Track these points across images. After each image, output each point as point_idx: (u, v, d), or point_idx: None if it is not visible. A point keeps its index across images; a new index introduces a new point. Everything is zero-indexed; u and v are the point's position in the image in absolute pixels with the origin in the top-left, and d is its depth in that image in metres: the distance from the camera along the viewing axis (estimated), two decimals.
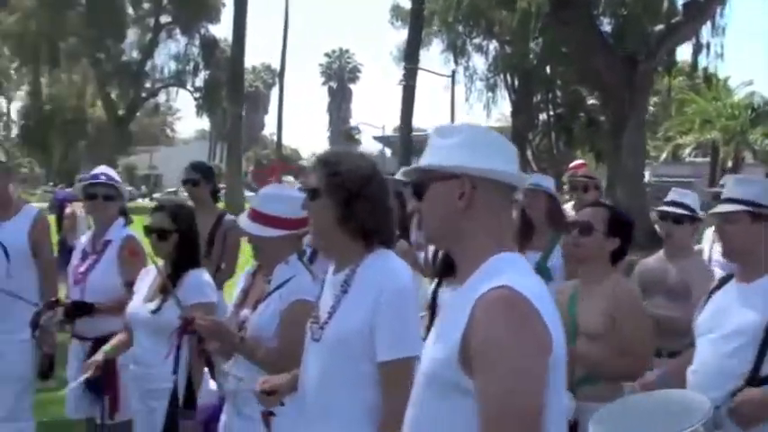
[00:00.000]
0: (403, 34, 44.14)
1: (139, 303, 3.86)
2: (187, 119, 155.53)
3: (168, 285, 3.62)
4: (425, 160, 1.96)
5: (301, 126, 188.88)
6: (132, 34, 53.50)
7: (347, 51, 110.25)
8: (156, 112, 73.88)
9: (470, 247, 1.90)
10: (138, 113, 59.94)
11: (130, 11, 52.65)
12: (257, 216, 3.24)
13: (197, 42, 56.17)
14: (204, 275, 3.87)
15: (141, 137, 78.79)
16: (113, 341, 4.05)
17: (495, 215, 1.92)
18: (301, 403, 2.56)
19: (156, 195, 62.62)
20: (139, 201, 61.59)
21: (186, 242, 3.86)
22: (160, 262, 3.83)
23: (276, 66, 73.97)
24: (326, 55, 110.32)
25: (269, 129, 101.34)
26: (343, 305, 2.48)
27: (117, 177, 4.64)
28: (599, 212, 3.63)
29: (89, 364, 3.95)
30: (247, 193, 44.27)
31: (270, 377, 2.76)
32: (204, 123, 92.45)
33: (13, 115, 66.55)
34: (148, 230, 3.86)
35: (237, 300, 3.37)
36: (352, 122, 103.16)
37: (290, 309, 3.10)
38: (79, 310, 4.32)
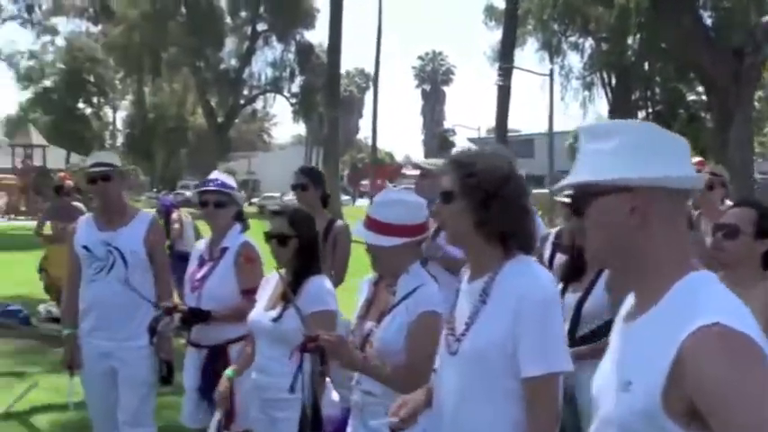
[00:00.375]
0: (497, 34, 43.71)
1: (261, 311, 3.79)
2: (283, 124, 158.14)
3: (289, 294, 3.54)
4: (582, 172, 1.73)
5: (395, 129, 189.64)
6: (230, 43, 54.75)
7: (440, 53, 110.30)
8: (253, 118, 75.37)
9: (650, 267, 1.67)
10: (236, 120, 61.13)
11: (228, 20, 53.80)
12: (374, 224, 3.09)
13: (293, 49, 57.04)
14: (325, 283, 3.76)
15: (239, 143, 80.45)
16: (238, 365, 4.01)
17: (673, 227, 1.68)
18: (436, 420, 2.42)
19: (254, 200, 63.89)
20: None
21: (306, 248, 3.75)
22: (280, 269, 3.76)
23: (370, 70, 74.52)
24: (420, 58, 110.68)
25: (363, 132, 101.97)
26: (482, 316, 2.32)
27: (231, 183, 4.57)
28: (746, 213, 3.37)
29: (221, 400, 3.94)
30: (343, 197, 44.61)
31: (405, 398, 2.58)
32: (300, 129, 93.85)
33: (119, 124, 68.94)
34: (268, 236, 3.79)
35: (360, 311, 3.23)
36: (446, 125, 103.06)
37: (417, 321, 2.96)
38: (196, 317, 4.29)
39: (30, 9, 31.53)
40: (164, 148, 60.59)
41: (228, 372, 4.00)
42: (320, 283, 3.73)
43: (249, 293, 4.30)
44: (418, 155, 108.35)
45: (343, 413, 3.25)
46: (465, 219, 2.36)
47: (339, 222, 5.52)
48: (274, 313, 3.69)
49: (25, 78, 46.87)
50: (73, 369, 4.73)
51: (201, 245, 4.59)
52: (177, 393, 4.87)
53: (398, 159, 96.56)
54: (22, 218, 38.03)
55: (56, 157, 50.11)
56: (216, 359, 4.33)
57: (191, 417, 4.46)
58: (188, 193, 50.41)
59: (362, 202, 52.30)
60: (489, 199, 2.32)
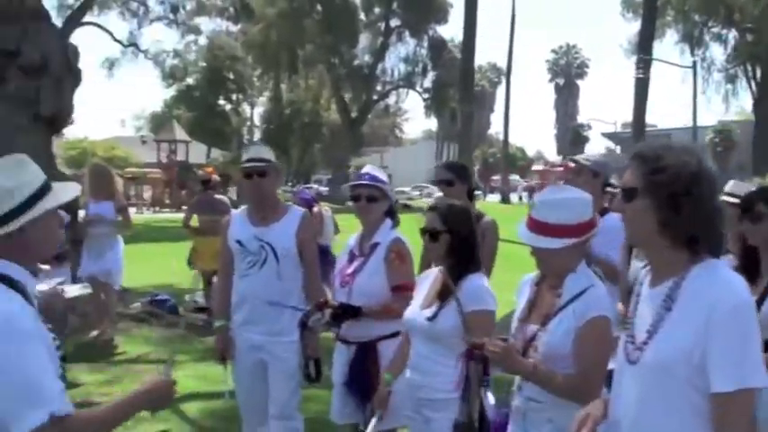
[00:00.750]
0: (634, 26, 42.38)
1: (416, 310, 3.72)
2: (414, 120, 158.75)
3: (451, 285, 3.46)
4: None
5: (527, 124, 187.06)
6: (364, 39, 55.26)
7: (574, 47, 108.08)
8: (386, 113, 75.95)
9: None
10: (369, 115, 61.77)
11: (362, 16, 54.38)
12: (538, 226, 2.94)
13: (425, 44, 57.01)
14: (483, 281, 3.63)
15: (371, 138, 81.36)
16: (393, 366, 3.96)
17: None
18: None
19: None
20: None
21: (460, 244, 3.64)
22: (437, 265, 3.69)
23: (501, 64, 73.71)
24: (553, 51, 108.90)
25: (494, 128, 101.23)
26: (667, 324, 2.15)
27: (383, 177, 4.51)
28: None
29: (379, 403, 3.92)
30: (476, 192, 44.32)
31: (583, 415, 2.37)
32: (431, 124, 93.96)
33: (256, 120, 71.01)
34: (422, 232, 3.72)
35: (522, 313, 3.09)
36: (579, 119, 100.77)
37: (587, 326, 2.81)
38: (346, 312, 4.26)
39: (175, 10, 32.86)
40: (299, 143, 61.91)
41: (387, 375, 3.95)
42: (479, 282, 3.61)
43: (399, 290, 4.26)
44: (550, 150, 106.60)
45: (503, 417, 3.14)
46: (648, 218, 2.19)
47: (486, 218, 5.39)
48: (429, 312, 3.61)
49: (170, 77, 48.87)
50: (225, 360, 4.82)
51: (352, 240, 4.56)
52: (323, 387, 4.86)
53: (530, 155, 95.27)
54: (166, 210, 39.73)
55: (198, 152, 52.06)
56: (365, 356, 4.29)
57: (339, 413, 4.45)
58: (321, 188, 51.40)
59: (493, 198, 51.82)
60: (677, 198, 2.14)
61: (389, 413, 4.03)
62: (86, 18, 20.28)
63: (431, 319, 3.57)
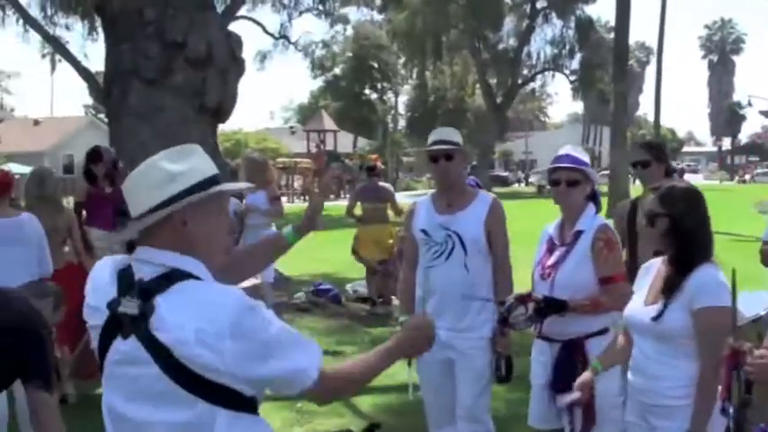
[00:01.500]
0: None
1: (639, 305, 3.30)
2: (558, 103, 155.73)
3: (677, 279, 3.05)
4: None
5: (677, 104, 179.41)
6: (509, 22, 54.20)
7: (729, 21, 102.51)
8: (531, 97, 74.63)
9: None
10: (514, 100, 60.77)
11: None
12: None
13: (572, 24, 55.40)
14: (715, 272, 3.15)
15: (515, 122, 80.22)
16: (605, 356, 3.57)
17: None
18: None
19: (531, 180, 63.27)
20: (516, 186, 62.85)
21: (681, 229, 3.20)
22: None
23: (650, 43, 70.81)
24: (706, 27, 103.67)
25: (643, 109, 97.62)
26: None
27: (584, 159, 4.08)
28: None
29: (581, 387, 3.49)
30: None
31: None
32: (576, 107, 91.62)
33: (400, 108, 71.27)
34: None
35: None
36: (735, 97, 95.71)
37: None
38: (551, 307, 3.86)
39: (323, 0, 33.15)
40: None
41: (596, 363, 3.53)
42: (709, 273, 3.15)
43: (608, 282, 3.85)
44: (703, 130, 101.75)
45: None
46: None
47: None
48: (654, 310, 3.18)
49: (318, 67, 49.65)
50: (410, 358, 4.54)
51: (550, 228, 4.15)
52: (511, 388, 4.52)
53: (681, 136, 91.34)
54: None
55: (345, 142, 52.76)
56: (571, 355, 3.89)
57: (539, 417, 4.07)
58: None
59: None
60: None
61: (604, 417, 3.67)
62: (239, 12, 20.69)
63: (656, 318, 3.15)
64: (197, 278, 2.02)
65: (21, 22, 23.64)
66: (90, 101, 61.80)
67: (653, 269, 3.35)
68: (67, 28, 27.26)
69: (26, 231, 5.64)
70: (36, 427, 2.91)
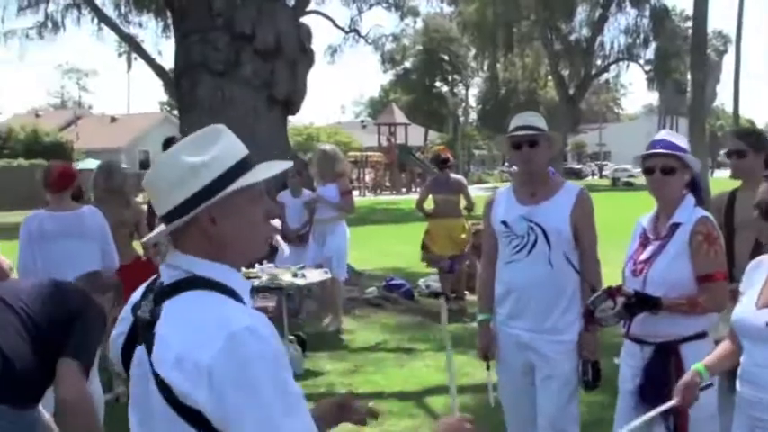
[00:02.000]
0: None
1: (750, 307, 2.96)
2: (633, 94, 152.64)
3: None
4: None
5: (757, 93, 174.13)
6: (581, 11, 53.20)
7: None
8: (604, 88, 73.27)
9: None
10: (587, 91, 59.73)
11: None
12: None
13: (647, 13, 54.10)
14: None
15: (588, 114, 78.92)
16: (711, 361, 3.22)
17: None
18: None
19: (605, 173, 62.08)
20: (589, 178, 61.71)
21: None
22: None
23: (728, 32, 68.76)
24: None
25: (720, 99, 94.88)
26: None
27: (682, 144, 3.73)
28: None
29: (682, 391, 3.14)
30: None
31: None
32: (651, 98, 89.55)
33: (470, 101, 70.70)
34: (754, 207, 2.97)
35: None
36: None
37: None
38: (642, 303, 3.51)
39: None
40: None
41: (699, 366, 3.17)
42: None
43: (708, 280, 3.49)
44: None
45: None
46: None
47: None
48: (766, 315, 2.84)
49: (389, 61, 49.46)
50: (488, 359, 4.26)
51: (644, 220, 3.81)
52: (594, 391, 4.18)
53: (760, 126, 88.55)
54: (386, 193, 40.37)
55: (416, 135, 52.53)
56: (664, 359, 3.53)
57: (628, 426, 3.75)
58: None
59: (721, 174, 48.30)
60: None
61: (698, 430, 3.33)
62: (309, 7, 20.57)
63: None
64: (222, 287, 1.72)
65: (96, 21, 24.07)
66: (165, 98, 63.08)
67: (764, 267, 3.00)
68: (141, 26, 27.70)
69: (87, 224, 5.55)
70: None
